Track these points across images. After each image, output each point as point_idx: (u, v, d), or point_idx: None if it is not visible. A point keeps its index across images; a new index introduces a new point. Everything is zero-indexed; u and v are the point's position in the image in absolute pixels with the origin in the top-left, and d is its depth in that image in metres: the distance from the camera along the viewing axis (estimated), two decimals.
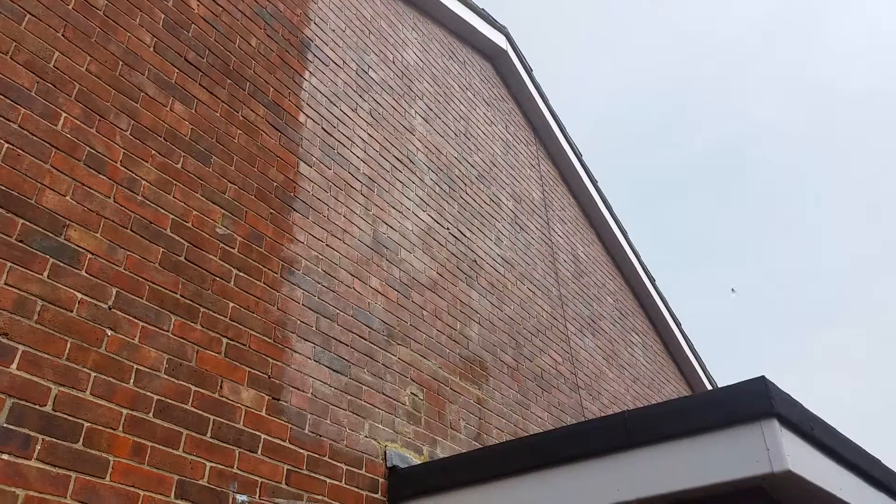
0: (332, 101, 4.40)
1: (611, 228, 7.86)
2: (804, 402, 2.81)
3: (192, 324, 2.92)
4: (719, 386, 8.22)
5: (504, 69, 7.21)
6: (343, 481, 3.27)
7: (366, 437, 3.52)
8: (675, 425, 2.72)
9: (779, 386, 2.65)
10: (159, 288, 2.85)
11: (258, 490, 2.88)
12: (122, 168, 2.91)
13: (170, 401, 2.70)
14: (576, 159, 7.63)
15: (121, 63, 3.11)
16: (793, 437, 2.60)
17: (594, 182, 7.78)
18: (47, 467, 2.26)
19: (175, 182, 3.12)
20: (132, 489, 2.46)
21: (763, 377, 2.62)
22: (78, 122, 2.82)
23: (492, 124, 6.55)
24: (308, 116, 4.13)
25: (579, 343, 6.32)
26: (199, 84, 3.47)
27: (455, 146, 5.70)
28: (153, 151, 3.08)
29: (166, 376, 2.73)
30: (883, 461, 3.26)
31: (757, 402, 2.57)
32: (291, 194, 3.74)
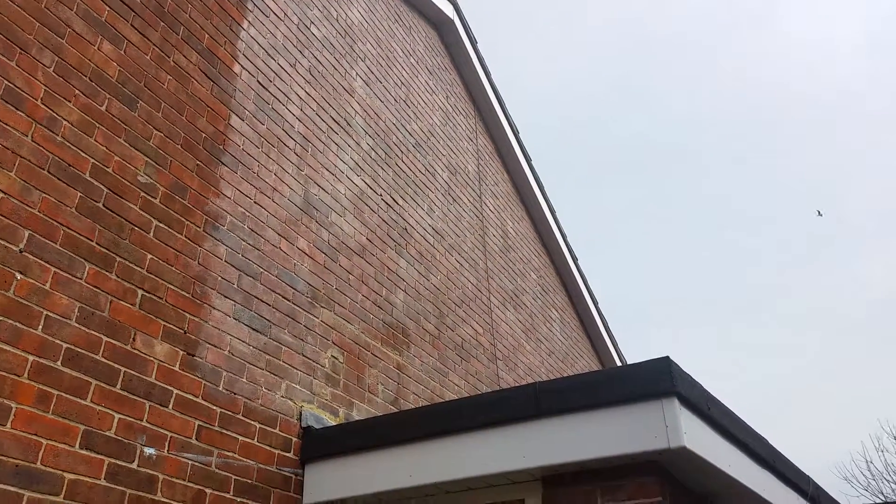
0: (269, 55, 4.29)
1: (541, 206, 8.01)
2: (708, 383, 2.99)
3: (107, 273, 2.83)
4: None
5: (449, 38, 7.17)
6: (256, 439, 3.28)
7: (282, 396, 3.52)
8: (583, 398, 2.84)
9: (681, 367, 2.80)
10: (75, 234, 2.76)
11: (167, 444, 2.86)
12: (42, 106, 2.78)
13: (79, 350, 2.63)
14: (513, 136, 7.71)
15: None
16: (690, 415, 2.75)
17: (528, 160, 7.89)
18: None
19: (98, 125, 2.99)
20: (34, 437, 2.40)
21: (667, 357, 2.76)
22: None
23: (433, 93, 6.53)
24: (243, 68, 4.02)
25: (501, 316, 6.46)
26: (131, 25, 3.32)
27: (394, 112, 5.66)
28: (77, 91, 2.94)
29: (77, 324, 2.65)
30: (769, 440, 3.50)
31: (659, 380, 2.71)
32: (220, 147, 3.65)
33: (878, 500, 12.20)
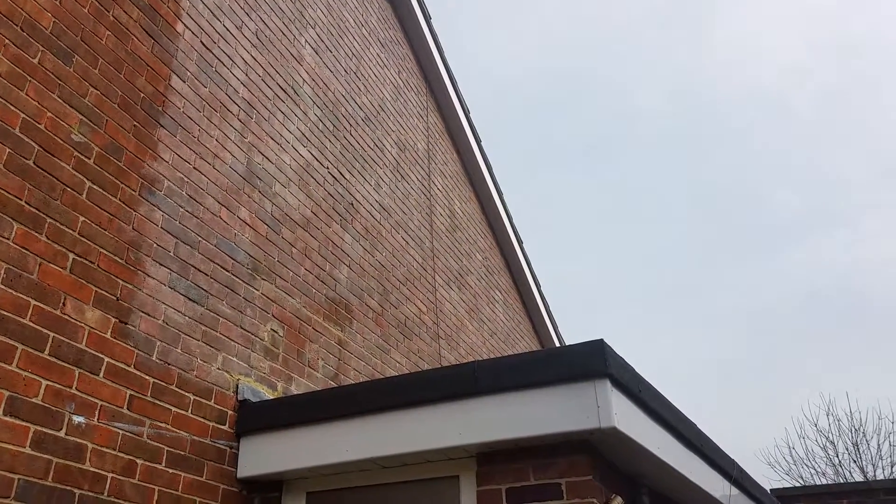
0: (214, 15, 4.14)
1: (489, 188, 8.04)
2: (641, 368, 3.07)
3: (36, 234, 2.71)
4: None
5: (403, 12, 7.08)
6: (189, 411, 3.21)
7: (218, 369, 3.46)
8: (519, 377, 2.88)
9: (615, 350, 2.87)
10: (2, 191, 2.62)
11: (97, 413, 2.77)
12: None
13: (5, 312, 2.52)
14: (464, 116, 7.69)
15: None
16: (622, 397, 2.83)
17: (478, 141, 7.90)
18: None
19: (30, 78, 2.84)
20: None
21: (601, 340, 2.82)
22: None
23: (384, 67, 6.44)
24: (187, 27, 3.87)
25: (445, 295, 6.49)
26: None
27: (344, 83, 5.57)
28: (7, 41, 2.78)
29: (3, 286, 2.53)
30: (697, 425, 3.64)
31: (593, 362, 2.77)
32: (159, 108, 3.52)
33: (797, 484, 12.84)
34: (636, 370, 3.03)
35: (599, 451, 2.93)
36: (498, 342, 7.54)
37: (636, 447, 2.91)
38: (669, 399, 3.34)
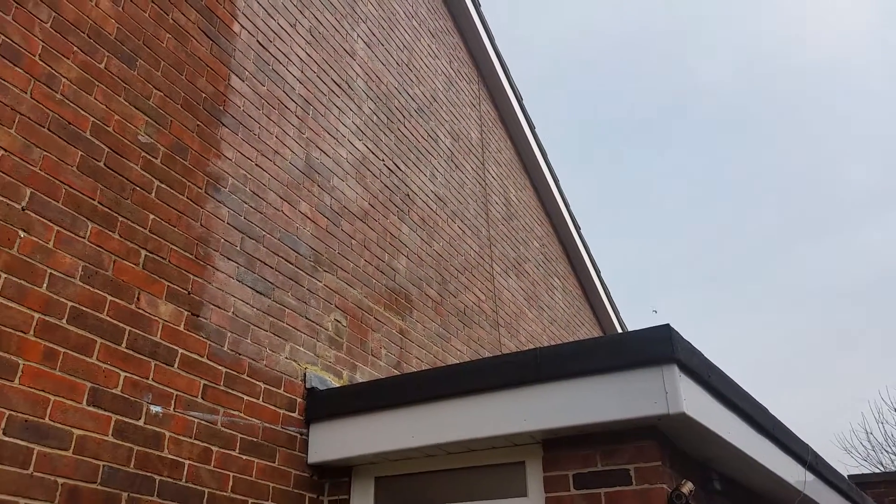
0: (269, 14, 4.22)
1: (544, 175, 7.97)
2: (710, 352, 3.00)
3: (109, 232, 2.83)
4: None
5: (452, 0, 7.06)
6: (260, 399, 3.30)
7: (286, 358, 3.54)
8: (584, 364, 2.86)
9: (682, 335, 2.82)
10: (76, 192, 2.74)
11: (173, 402, 2.88)
12: (40, 63, 2.74)
13: (84, 308, 2.64)
14: (516, 103, 7.63)
15: None
16: (690, 382, 2.77)
17: (532, 127, 7.83)
18: None
19: (97, 83, 2.96)
20: (42, 394, 2.41)
21: (668, 325, 2.77)
22: None
23: (435, 57, 6.45)
24: (243, 27, 3.96)
25: (503, 283, 6.47)
26: None
27: (396, 76, 5.60)
28: (75, 48, 2.90)
29: (81, 283, 2.66)
30: (769, 409, 3.53)
31: (660, 347, 2.72)
32: (220, 108, 3.62)
33: (876, 471, 12.35)
34: (704, 354, 2.97)
35: (668, 437, 2.89)
36: (558, 329, 7.49)
37: (706, 432, 2.85)
38: (739, 383, 3.26)
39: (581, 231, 8.45)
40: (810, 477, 3.92)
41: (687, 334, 2.87)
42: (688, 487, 2.74)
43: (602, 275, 8.75)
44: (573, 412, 2.84)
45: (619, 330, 8.92)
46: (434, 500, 3.29)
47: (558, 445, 2.95)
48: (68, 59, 2.86)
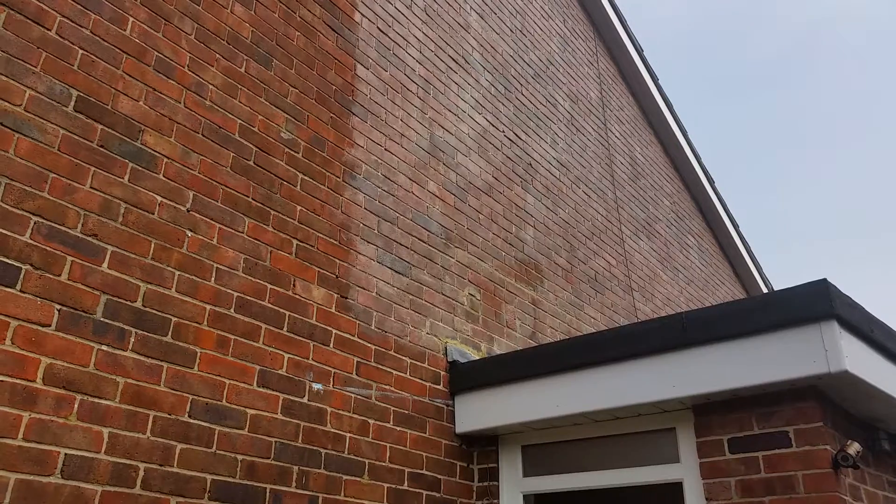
0: None
1: (670, 129, 7.64)
2: (870, 305, 2.81)
3: (264, 226, 3.04)
4: (774, 288, 8.17)
5: None
6: (408, 373, 3.46)
7: (427, 333, 3.68)
8: (735, 325, 2.77)
9: (840, 288, 2.66)
10: (232, 191, 2.97)
11: (332, 379, 3.08)
12: (189, 73, 2.97)
13: (248, 297, 2.87)
14: (636, 55, 7.34)
15: None
16: (852, 338, 2.62)
17: (655, 80, 7.51)
18: (141, 358, 2.46)
19: (240, 86, 3.17)
20: (218, 378, 2.66)
21: (825, 279, 2.62)
22: (145, 27, 2.86)
23: (549, 19, 6.32)
24: (363, 15, 4.07)
25: (634, 246, 6.33)
26: None
27: (511, 44, 5.55)
28: (217, 55, 3.12)
29: (244, 274, 2.89)
30: None
31: (817, 303, 2.59)
32: (350, 98, 3.76)
33: None
34: (865, 308, 2.78)
35: (829, 397, 2.75)
36: (696, 290, 7.23)
37: (871, 390, 2.69)
38: None
39: (715, 184, 8.05)
40: None
41: (844, 288, 2.71)
42: (854, 448, 2.61)
43: (741, 229, 8.32)
44: (726, 376, 2.76)
45: (763, 287, 8.47)
46: (583, 468, 3.33)
47: (710, 410, 2.89)
48: (213, 66, 3.08)
